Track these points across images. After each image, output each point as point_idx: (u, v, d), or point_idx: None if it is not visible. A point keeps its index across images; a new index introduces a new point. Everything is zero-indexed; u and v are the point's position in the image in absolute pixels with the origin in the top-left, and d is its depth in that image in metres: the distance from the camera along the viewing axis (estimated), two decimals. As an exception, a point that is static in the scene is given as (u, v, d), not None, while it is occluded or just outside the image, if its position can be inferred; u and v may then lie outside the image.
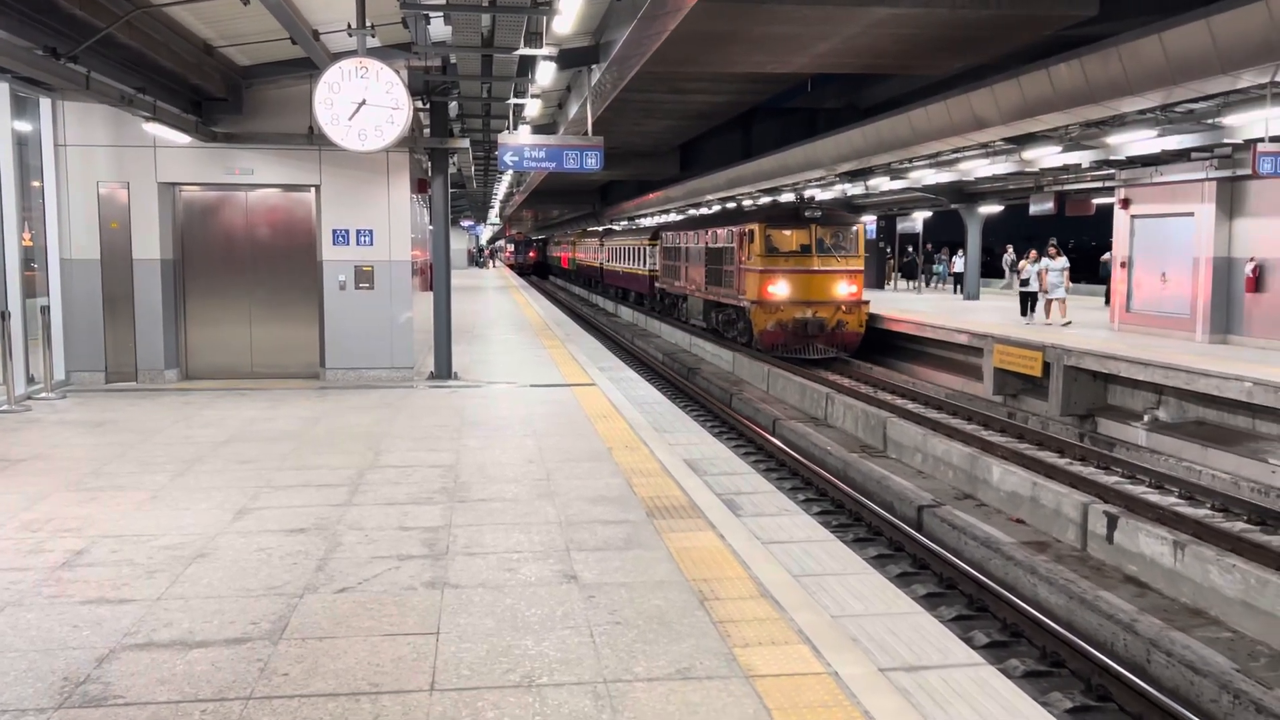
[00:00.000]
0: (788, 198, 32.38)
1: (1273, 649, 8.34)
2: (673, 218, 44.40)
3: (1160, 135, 17.02)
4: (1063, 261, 23.28)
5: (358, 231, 13.62)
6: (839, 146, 22.70)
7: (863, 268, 24.93)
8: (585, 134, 12.89)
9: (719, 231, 27.41)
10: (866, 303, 24.25)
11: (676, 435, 10.88)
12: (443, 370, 14.06)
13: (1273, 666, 8.09)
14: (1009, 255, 40.19)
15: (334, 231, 13.61)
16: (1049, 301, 23.08)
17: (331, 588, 5.72)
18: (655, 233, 38.14)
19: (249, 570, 6.03)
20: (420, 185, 15.14)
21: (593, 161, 11.87)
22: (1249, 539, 10.14)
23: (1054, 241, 24.38)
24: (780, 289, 23.85)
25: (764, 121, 29.19)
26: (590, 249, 55.71)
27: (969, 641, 8.24)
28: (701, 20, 13.09)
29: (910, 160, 22.96)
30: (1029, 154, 19.85)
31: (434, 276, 14.75)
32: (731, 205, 37.23)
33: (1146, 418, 15.53)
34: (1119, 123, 16.36)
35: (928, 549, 10.38)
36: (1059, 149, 19.26)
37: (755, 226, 24.42)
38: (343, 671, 4.60)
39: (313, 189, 13.70)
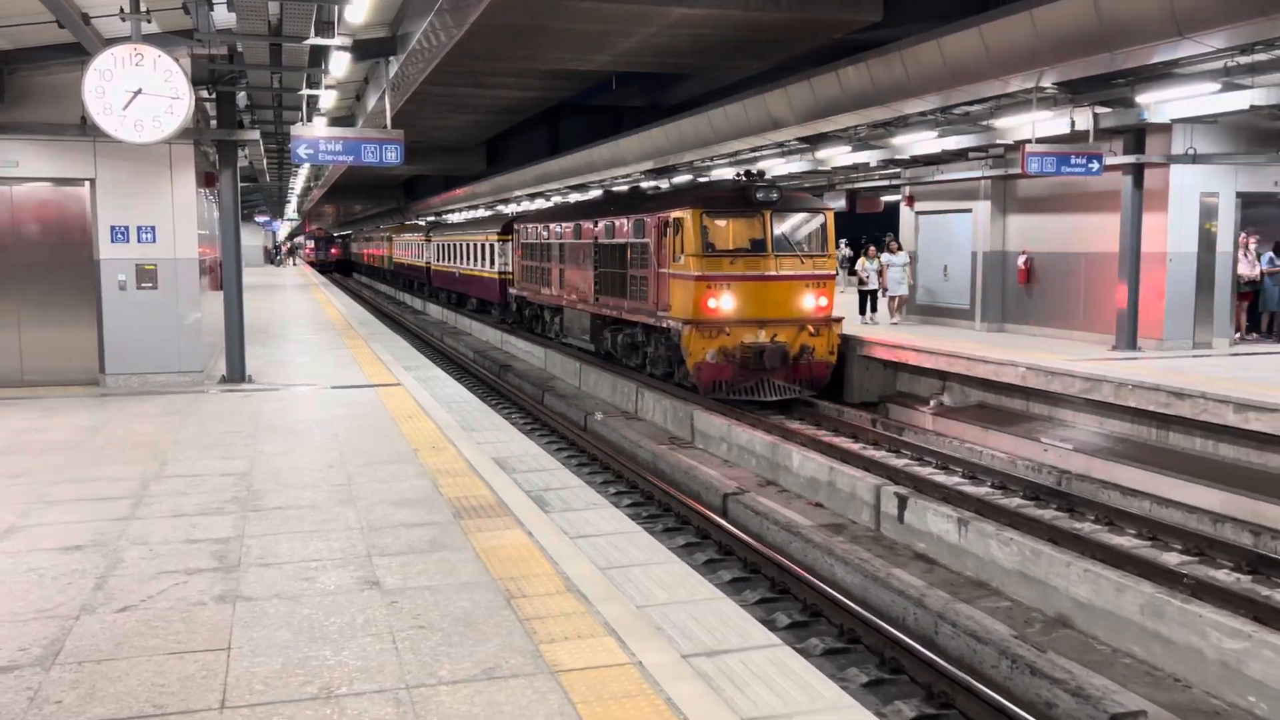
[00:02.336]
0: (726, 173, 24.00)
1: (1046, 615, 8.99)
2: (533, 204, 37.42)
3: (940, 136, 18.07)
4: (903, 257, 22.33)
5: (139, 228, 12.81)
6: (643, 144, 23.03)
7: (835, 271, 18.08)
8: (385, 128, 12.58)
9: (619, 222, 20.17)
10: (839, 320, 17.45)
11: (486, 434, 10.76)
12: (236, 373, 13.43)
13: (1046, 631, 8.71)
14: (842, 251, 36.23)
15: (112, 228, 12.76)
16: (891, 299, 22.38)
17: (111, 607, 5.36)
18: (508, 225, 30.85)
19: (17, 593, 5.58)
20: (207, 179, 14.40)
21: (393, 156, 11.60)
22: (1025, 514, 10.90)
23: (892, 236, 23.75)
24: (726, 303, 16.67)
25: (571, 118, 29.27)
26: (413, 246, 47.41)
27: (772, 623, 8.51)
28: (501, 14, 12.99)
29: (711, 159, 23.51)
30: (821, 153, 20.68)
31: (224, 274, 14.06)
32: (648, 185, 28.28)
33: (932, 403, 16.47)
34: (903, 123, 17.25)
35: (733, 535, 10.65)
36: (849, 148, 20.16)
37: (686, 214, 17.00)
38: (124, 694, 4.32)
39: (87, 183, 12.80)
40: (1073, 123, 15.46)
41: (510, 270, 29.87)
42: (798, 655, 4.70)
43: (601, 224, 21.14)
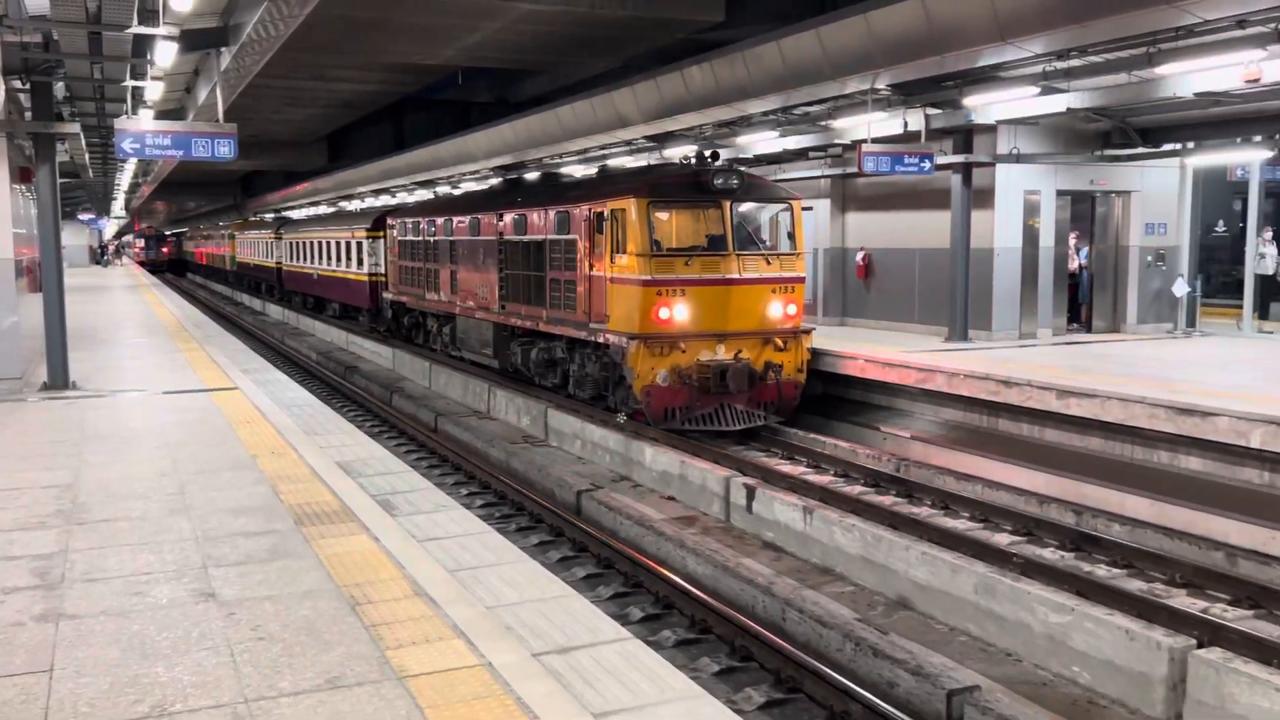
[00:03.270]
0: (574, 171, 21.95)
1: (888, 598, 9.32)
2: (403, 198, 34.13)
3: (782, 135, 18.52)
4: None
5: (-54, 226, 11.95)
6: (491, 141, 22.82)
7: (804, 274, 15.19)
8: (217, 121, 12.07)
9: (535, 215, 16.86)
10: (808, 332, 14.99)
11: (330, 438, 10.47)
12: (58, 379, 12.67)
13: (888, 613, 9.03)
14: None
15: (-84, 226, 11.86)
16: None
17: (-85, 634, 4.98)
18: (380, 219, 27.20)
19: None
20: (23, 174, 13.54)
21: (226, 150, 11.14)
22: (866, 500, 11.28)
23: None
24: (680, 312, 13.92)
25: (416, 113, 28.79)
26: (260, 244, 43.02)
27: (625, 618, 8.56)
28: (339, 4, 12.65)
29: (560, 155, 23.48)
30: (669, 151, 20.90)
31: (44, 275, 13.24)
32: (575, 170, 23.76)
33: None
34: (746, 123, 17.61)
35: (586, 532, 10.67)
36: (695, 147, 20.44)
37: (628, 204, 14.00)
38: (-72, 728, 4.02)
39: (-114, 177, 11.86)
40: (905, 123, 16.07)
41: (383, 272, 26.47)
42: (648, 648, 4.74)
43: (509, 217, 17.90)
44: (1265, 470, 9.65)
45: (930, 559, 8.90)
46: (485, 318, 19.22)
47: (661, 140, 20.32)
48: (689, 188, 14.35)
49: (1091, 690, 7.39)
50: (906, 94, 14.94)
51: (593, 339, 14.96)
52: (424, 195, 32.29)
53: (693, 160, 14.75)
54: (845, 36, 12.41)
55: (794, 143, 19.32)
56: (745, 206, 14.49)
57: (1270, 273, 16.37)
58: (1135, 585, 8.66)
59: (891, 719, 6.46)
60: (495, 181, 25.18)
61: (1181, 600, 8.28)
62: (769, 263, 14.38)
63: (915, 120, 16.13)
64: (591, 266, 14.90)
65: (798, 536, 10.56)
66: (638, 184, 14.49)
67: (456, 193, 29.66)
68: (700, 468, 12.26)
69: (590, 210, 14.95)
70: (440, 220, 21.52)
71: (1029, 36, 10.72)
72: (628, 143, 20.66)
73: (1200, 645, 7.07)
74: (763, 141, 18.99)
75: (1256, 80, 11.23)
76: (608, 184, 15.85)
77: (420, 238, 22.77)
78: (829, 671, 7.10)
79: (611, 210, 14.38)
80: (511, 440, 15.88)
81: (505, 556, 6.21)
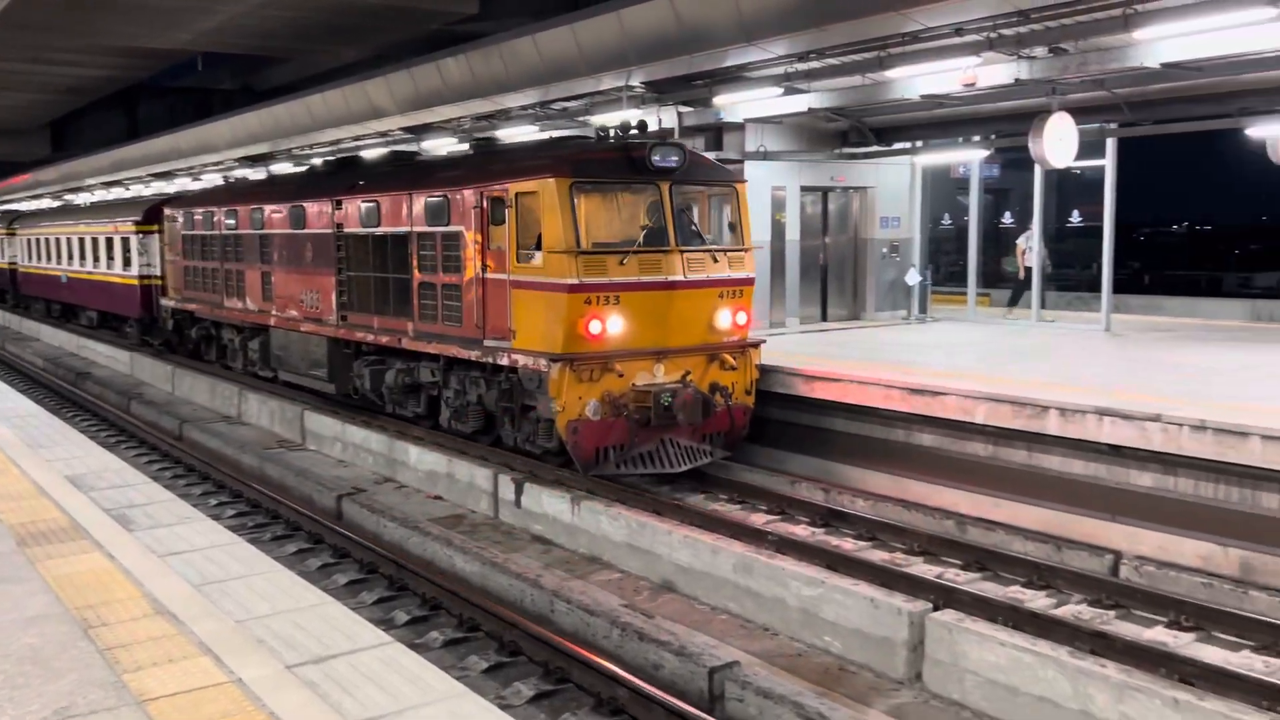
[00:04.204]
0: (436, 145, 18.99)
1: (653, 582, 9.54)
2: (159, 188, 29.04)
3: (541, 130, 18.55)
4: None
5: None
6: (235, 130, 21.71)
7: (753, 274, 12.13)
8: (-88, 103, 10.83)
9: (396, 202, 13.38)
10: (757, 345, 12.21)
11: (57, 450, 9.62)
12: None
13: (653, 597, 9.24)
14: None
15: None
16: None
17: None
18: (153, 210, 22.70)
19: None
20: None
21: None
22: (632, 488, 11.47)
23: None
24: (615, 325, 10.94)
25: (152, 100, 27.05)
26: None
27: (390, 622, 8.36)
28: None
29: (312, 146, 22.62)
30: (427, 144, 20.54)
31: None
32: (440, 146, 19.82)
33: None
34: (505, 117, 17.52)
35: (347, 537, 10.35)
36: (455, 140, 20.18)
37: (545, 186, 10.89)
38: None
39: None
40: (660, 120, 16.45)
41: (160, 274, 22.09)
42: (410, 651, 4.64)
43: (352, 205, 14.26)
44: (989, 444, 10.52)
45: (692, 542, 9.17)
46: (316, 331, 15.48)
47: (419, 132, 19.93)
48: (621, 165, 11.30)
49: (843, 658, 7.83)
50: (660, 92, 15.30)
51: (489, 360, 11.80)
52: (177, 187, 29.28)
53: (610, 134, 11.72)
54: (599, 34, 12.59)
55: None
56: (687, 189, 11.73)
57: (1035, 266, 17.76)
58: (879, 556, 9.26)
59: (656, 700, 6.61)
60: (317, 161, 20.03)
61: (919, 568, 8.92)
62: (716, 260, 11.54)
63: (669, 118, 16.54)
64: (486, 267, 11.75)
65: (566, 528, 10.63)
66: (554, 160, 11.19)
67: (262, 176, 24.95)
68: (468, 464, 12.12)
69: (483, 195, 11.73)
70: (245, 210, 17.62)
71: (772, 38, 11.23)
72: (383, 134, 20.14)
73: (936, 608, 7.63)
74: (521, 136, 18.95)
75: (973, 84, 12.20)
76: (505, 161, 12.58)
77: (215, 232, 18.82)
78: (595, 659, 7.19)
79: (518, 194, 11.22)
80: (266, 445, 15.17)
81: (257, 567, 5.91)
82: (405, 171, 14.43)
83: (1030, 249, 17.29)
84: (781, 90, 14.03)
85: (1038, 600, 8.10)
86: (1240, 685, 6.41)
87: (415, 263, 13.02)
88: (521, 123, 17.76)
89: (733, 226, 12.06)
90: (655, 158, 11.11)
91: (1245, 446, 8.51)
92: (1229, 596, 8.01)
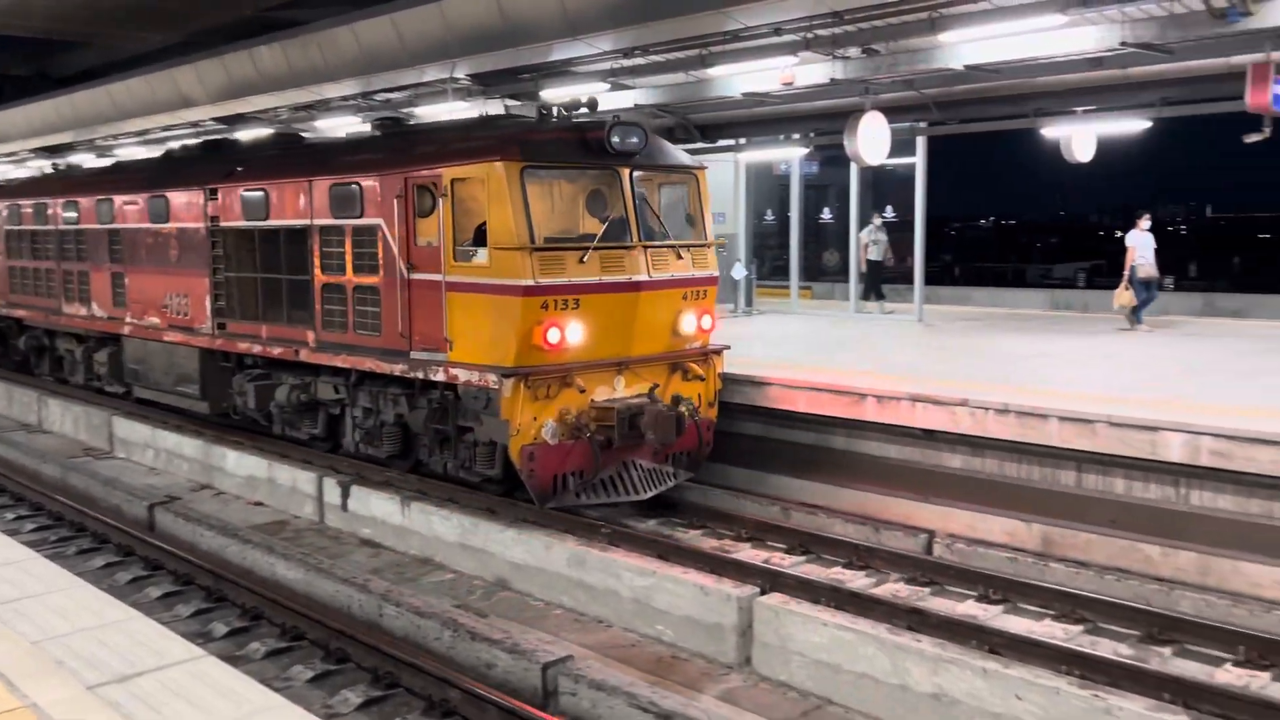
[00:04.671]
0: (136, 153, 17.87)
1: (487, 581, 9.43)
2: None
3: (364, 122, 18.05)
4: None
5: None
6: (29, 119, 20.32)
7: (717, 272, 10.86)
8: None
9: (289, 191, 11.58)
10: (719, 352, 10.82)
11: None
12: None
13: (487, 596, 9.15)
14: None
15: None
16: None
17: None
18: None
19: None
20: None
21: None
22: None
23: None
24: (574, 334, 9.48)
25: (-70, 86, 24.87)
26: None
27: (208, 635, 8.00)
28: None
29: (118, 137, 21.37)
30: (322, 123, 19.55)
31: None
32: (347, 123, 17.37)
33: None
34: (325, 107, 16.97)
35: (160, 548, 9.84)
36: (270, 130, 19.42)
37: (489, 170, 9.33)
38: None
39: None
40: (485, 114, 16.27)
41: None
42: (223, 665, 4.43)
43: (234, 195, 12.34)
44: (811, 431, 10.87)
45: (525, 538, 9.13)
46: (185, 341, 13.41)
47: (232, 122, 19.10)
48: (575, 147, 9.85)
49: (675, 646, 7.94)
50: (486, 84, 15.13)
51: (417, 375, 10.17)
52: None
53: (553, 112, 10.27)
54: (421, 24, 12.36)
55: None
56: (649, 175, 10.37)
57: (880, 259, 18.33)
58: (709, 544, 9.42)
59: (488, 700, 6.54)
60: (188, 143, 17.03)
61: (747, 553, 9.12)
62: (680, 257, 10.23)
63: (495, 110, 16.38)
64: (413, 267, 10.09)
65: (395, 530, 10.40)
66: (499, 141, 9.64)
67: (109, 162, 21.65)
68: (291, 469, 11.69)
69: (407, 181, 10.10)
70: (89, 202, 15.31)
71: (597, 34, 11.27)
72: (194, 124, 19.21)
73: (763, 592, 7.83)
74: (344, 127, 18.41)
75: (791, 83, 12.57)
76: (433, 143, 10.77)
77: (49, 227, 16.51)
78: (424, 663, 7.07)
79: (453, 181, 9.66)
80: (70, 454, 14.26)
81: (56, 584, 5.54)
82: (301, 155, 12.58)
83: (873, 243, 17.91)
84: (608, 86, 14.09)
85: (858, 580, 8.42)
86: (1041, 652, 6.82)
87: (317, 261, 11.23)
88: (344, 113, 17.25)
89: (691, 219, 10.80)
90: (615, 139, 9.68)
91: (1045, 428, 9.07)
92: (1031, 569, 8.52)
